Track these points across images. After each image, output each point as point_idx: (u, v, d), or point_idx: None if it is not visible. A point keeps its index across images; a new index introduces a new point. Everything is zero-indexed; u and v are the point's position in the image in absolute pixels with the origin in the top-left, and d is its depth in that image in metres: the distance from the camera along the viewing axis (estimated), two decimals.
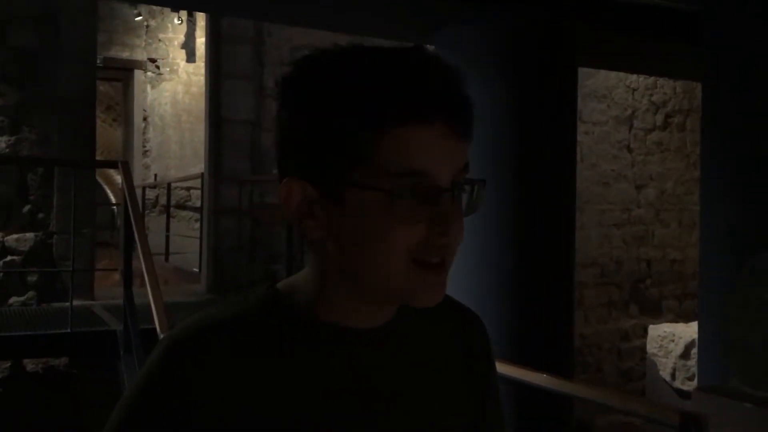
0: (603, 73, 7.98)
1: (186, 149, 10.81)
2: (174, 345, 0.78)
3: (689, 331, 6.30)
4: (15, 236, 5.89)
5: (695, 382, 4.27)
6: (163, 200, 10.11)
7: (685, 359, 6.40)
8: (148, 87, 10.95)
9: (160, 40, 10.93)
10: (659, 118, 8.85)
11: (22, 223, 5.92)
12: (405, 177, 0.72)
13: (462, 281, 2.40)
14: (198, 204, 8.86)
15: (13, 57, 5.90)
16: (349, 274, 0.77)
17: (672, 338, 6.58)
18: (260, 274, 6.85)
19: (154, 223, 10.37)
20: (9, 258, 5.87)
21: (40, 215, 5.97)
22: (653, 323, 7.47)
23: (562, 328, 4.04)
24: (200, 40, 9.96)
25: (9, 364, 5.59)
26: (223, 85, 7.02)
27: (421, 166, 0.72)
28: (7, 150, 5.86)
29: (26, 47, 5.94)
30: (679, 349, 6.46)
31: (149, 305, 3.41)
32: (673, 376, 6.49)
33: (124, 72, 10.86)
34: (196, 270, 7.66)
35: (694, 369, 5.08)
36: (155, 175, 10.85)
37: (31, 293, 5.93)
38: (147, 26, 10.84)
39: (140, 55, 10.86)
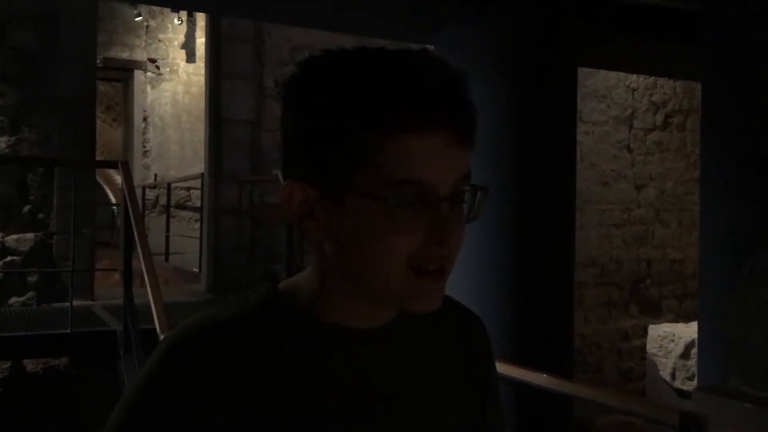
0: (603, 73, 7.98)
1: (186, 149, 10.81)
2: (174, 345, 0.78)
3: (689, 331, 6.30)
4: (15, 236, 5.89)
5: (695, 382, 4.27)
6: (163, 200, 10.11)
7: (685, 359, 6.40)
8: (148, 87, 10.95)
9: (160, 41, 10.93)
10: (659, 118, 8.85)
11: (22, 223, 5.92)
12: (404, 185, 0.72)
13: (462, 281, 2.39)
14: (198, 204, 8.86)
15: (13, 57, 5.90)
16: (349, 275, 0.77)
17: (672, 338, 6.58)
18: (260, 274, 6.85)
19: (154, 223, 10.37)
20: (9, 258, 5.87)
21: (40, 215, 5.97)
22: (653, 323, 7.48)
23: (562, 328, 4.04)
24: (200, 41, 9.96)
25: (9, 365, 5.59)
26: (223, 85, 7.02)
27: (421, 175, 0.72)
28: (7, 150, 5.86)
29: (26, 47, 5.94)
30: (679, 349, 6.46)
31: (149, 305, 3.41)
32: (673, 376, 6.50)
33: (124, 72, 10.86)
34: (196, 270, 7.66)
35: (694, 369, 5.08)
36: (155, 176, 10.85)
37: (31, 293, 5.93)
38: (147, 26, 10.84)
39: (140, 56, 10.86)
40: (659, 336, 6.72)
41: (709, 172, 3.66)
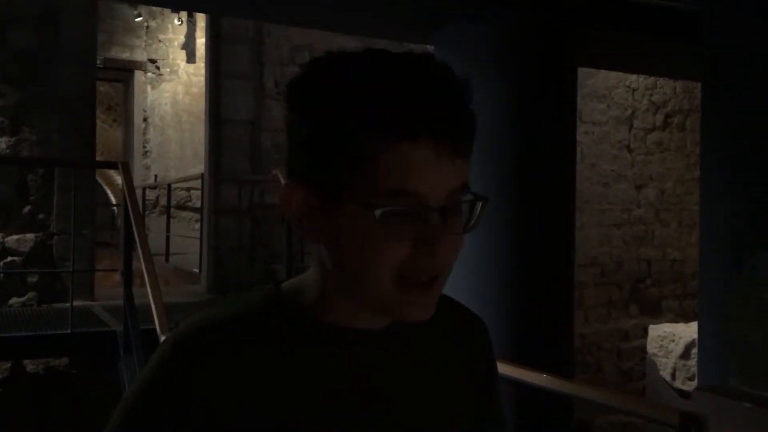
0: (603, 73, 7.98)
1: (186, 150, 10.81)
2: (175, 346, 0.79)
3: (689, 331, 6.30)
4: (15, 237, 5.89)
5: (695, 382, 4.27)
6: (163, 201, 10.11)
7: (686, 359, 6.40)
8: (149, 88, 10.95)
9: (160, 41, 10.93)
10: (659, 118, 8.85)
11: (22, 223, 5.92)
12: (394, 195, 0.71)
13: (462, 281, 2.39)
14: (198, 204, 8.86)
15: (13, 57, 5.90)
16: (347, 276, 0.78)
17: (672, 338, 6.58)
18: (260, 274, 6.85)
19: (155, 223, 10.37)
20: (9, 259, 5.87)
21: (41, 216, 5.97)
22: (653, 323, 7.47)
23: (562, 328, 4.04)
24: (200, 41, 9.96)
25: (9, 365, 5.59)
26: (223, 85, 7.02)
27: (412, 185, 0.71)
28: (8, 151, 5.86)
29: (26, 47, 5.94)
30: (680, 349, 6.46)
31: (149, 306, 3.41)
32: (673, 376, 6.49)
33: (124, 73, 10.86)
34: (196, 270, 7.66)
35: (695, 369, 5.08)
36: (155, 176, 10.85)
37: (31, 294, 5.93)
38: (147, 27, 10.84)
39: (140, 56, 10.86)
40: (659, 336, 6.72)
41: (709, 172, 3.66)
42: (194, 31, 10.48)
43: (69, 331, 4.75)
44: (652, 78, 8.52)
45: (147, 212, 10.38)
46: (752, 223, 3.33)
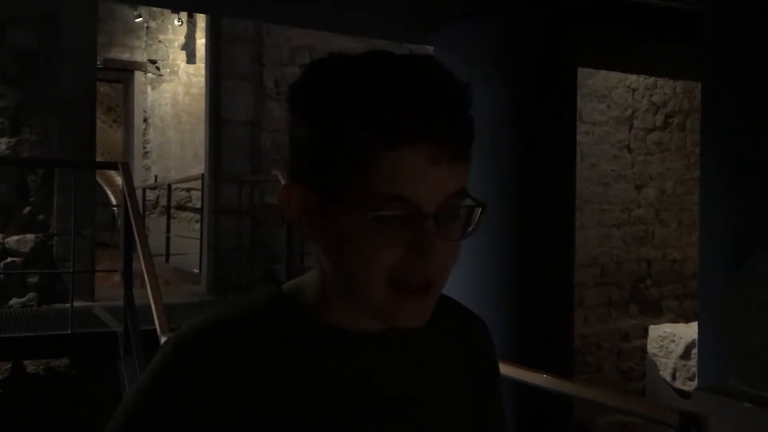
0: (603, 73, 7.98)
1: (186, 150, 10.81)
2: (176, 347, 0.79)
3: (689, 331, 6.30)
4: (15, 237, 5.89)
5: (695, 382, 4.27)
6: (163, 201, 10.11)
7: (686, 359, 6.40)
8: (149, 88, 10.95)
9: (160, 42, 10.93)
10: (659, 118, 8.85)
11: (22, 224, 5.92)
12: (390, 200, 0.71)
13: (462, 281, 2.40)
14: (198, 205, 8.86)
15: (13, 57, 5.90)
16: (344, 278, 0.78)
17: (672, 338, 6.58)
18: (260, 274, 6.85)
19: (155, 224, 10.37)
20: (9, 259, 5.87)
21: (41, 216, 5.97)
22: (653, 323, 7.48)
23: (562, 328, 4.04)
24: (200, 42, 9.96)
25: (9, 366, 5.59)
26: (222, 85, 7.01)
27: (407, 191, 0.71)
28: (8, 151, 5.86)
29: (26, 47, 5.94)
30: (680, 349, 6.46)
31: (149, 306, 3.41)
32: (673, 376, 6.49)
33: (124, 73, 10.86)
34: (196, 271, 7.66)
35: (695, 369, 5.08)
36: (155, 177, 10.85)
37: (31, 294, 5.93)
38: (147, 28, 10.84)
39: (140, 57, 10.86)
40: (660, 336, 6.72)
41: (709, 172, 3.66)
42: (194, 31, 10.48)
43: (69, 331, 4.75)
44: (652, 78, 8.52)
45: (147, 213, 10.38)
46: (752, 223, 3.33)
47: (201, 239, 7.37)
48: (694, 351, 5.54)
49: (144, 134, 10.98)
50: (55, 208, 5.97)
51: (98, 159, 8.12)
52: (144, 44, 10.88)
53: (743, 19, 3.45)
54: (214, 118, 7.02)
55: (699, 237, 3.81)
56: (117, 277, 6.43)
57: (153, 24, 10.87)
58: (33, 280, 5.95)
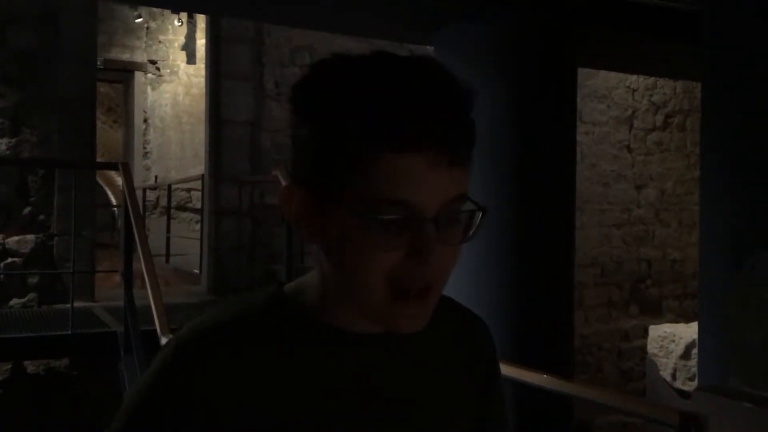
0: (603, 73, 7.98)
1: (186, 150, 10.80)
2: (177, 348, 0.79)
3: (689, 331, 6.30)
4: (16, 238, 5.89)
5: (695, 382, 4.27)
6: (163, 202, 10.11)
7: (686, 359, 6.40)
8: (149, 89, 10.95)
9: (160, 42, 10.93)
10: (659, 119, 8.85)
11: (22, 224, 5.92)
12: (389, 204, 0.71)
13: (462, 281, 2.39)
14: (198, 205, 8.85)
15: (13, 57, 5.90)
16: (344, 280, 0.78)
17: (672, 338, 6.58)
18: (260, 274, 6.85)
19: (155, 224, 10.37)
20: (10, 260, 5.87)
21: (41, 217, 5.97)
22: (653, 323, 7.47)
23: (562, 328, 4.04)
24: (200, 42, 9.95)
25: (10, 366, 5.59)
26: (223, 85, 7.01)
27: (406, 195, 0.71)
28: (8, 152, 5.86)
29: (26, 47, 5.94)
30: (680, 349, 6.46)
31: (150, 306, 3.41)
32: (673, 376, 6.49)
33: (124, 74, 10.86)
34: (196, 271, 7.66)
35: (695, 369, 5.08)
36: (156, 177, 10.84)
37: (31, 295, 5.93)
38: (147, 28, 10.84)
39: (140, 57, 10.86)
40: (660, 336, 6.72)
41: (709, 172, 3.66)
42: (194, 32, 10.47)
43: (69, 332, 4.76)
44: (652, 78, 8.52)
45: (147, 213, 10.38)
46: (752, 223, 3.33)
47: (201, 239, 7.37)
48: (694, 351, 5.54)
49: (144, 134, 10.98)
50: (56, 208, 5.98)
51: (98, 159, 8.12)
52: (144, 44, 10.88)
53: (743, 19, 3.45)
54: (214, 119, 7.02)
55: (699, 237, 3.81)
56: (117, 278, 6.43)
57: (153, 24, 10.87)
58: (33, 280, 5.95)
